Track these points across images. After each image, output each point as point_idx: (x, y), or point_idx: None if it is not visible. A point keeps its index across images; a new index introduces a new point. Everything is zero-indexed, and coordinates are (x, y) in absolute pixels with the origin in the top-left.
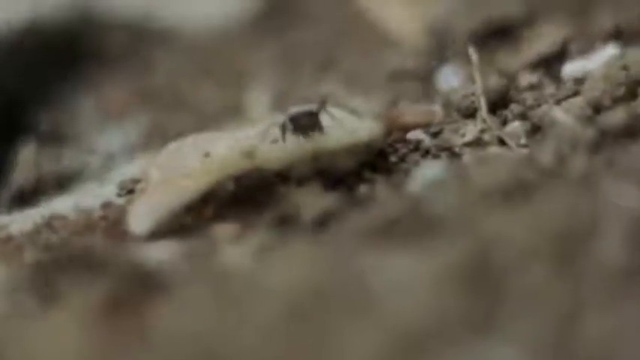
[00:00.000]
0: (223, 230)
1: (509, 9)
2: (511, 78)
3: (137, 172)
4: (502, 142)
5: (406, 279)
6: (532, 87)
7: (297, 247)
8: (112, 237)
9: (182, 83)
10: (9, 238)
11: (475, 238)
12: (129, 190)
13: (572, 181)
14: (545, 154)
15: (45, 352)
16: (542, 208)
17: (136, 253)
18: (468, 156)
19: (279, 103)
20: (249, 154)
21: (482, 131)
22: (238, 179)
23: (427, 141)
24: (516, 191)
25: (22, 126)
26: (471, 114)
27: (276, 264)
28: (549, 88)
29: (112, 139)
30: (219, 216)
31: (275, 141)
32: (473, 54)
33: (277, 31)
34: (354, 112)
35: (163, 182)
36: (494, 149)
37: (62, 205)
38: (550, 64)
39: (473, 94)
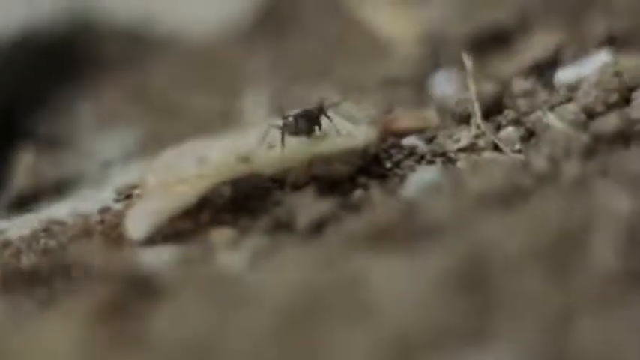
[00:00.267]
0: (219, 235)
1: (502, 16)
2: (505, 84)
3: (134, 177)
4: (496, 148)
5: (401, 284)
6: (526, 93)
7: (293, 251)
8: (109, 242)
9: (179, 89)
10: (7, 243)
11: (469, 243)
12: (126, 195)
13: (565, 186)
14: (539, 160)
15: (42, 356)
16: (536, 213)
17: (133, 258)
18: (462, 161)
19: (274, 109)
20: (244, 159)
21: (477, 137)
22: (234, 184)
23: (422, 147)
24: (510, 196)
25: (20, 132)
26: (465, 120)
27: (272, 269)
28: (543, 94)
29: (109, 144)
30: (216, 221)
31: (271, 146)
32: (467, 60)
33: (273, 38)
34: (349, 118)
35: (160, 187)
36: (489, 155)
37: (60, 210)
38: (543, 70)
39: (467, 100)
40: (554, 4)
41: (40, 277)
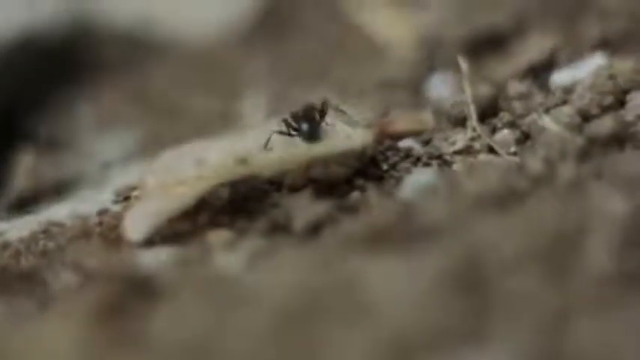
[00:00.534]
0: (217, 236)
1: (498, 19)
2: (500, 87)
3: (134, 178)
4: (492, 150)
5: (397, 285)
6: (521, 96)
7: (290, 253)
8: (107, 243)
9: (178, 91)
10: (6, 245)
11: (466, 244)
12: (125, 197)
13: (561, 188)
14: (535, 162)
15: (41, 357)
16: (531, 215)
17: (131, 259)
18: (458, 164)
19: (273, 111)
20: (243, 161)
21: (473, 139)
22: (232, 186)
23: (418, 149)
24: (506, 198)
25: (20, 134)
26: (461, 122)
27: (270, 270)
28: (538, 97)
29: (109, 146)
30: (214, 222)
31: (269, 148)
32: (463, 63)
33: (272, 41)
34: (346, 120)
35: (159, 189)
36: (484, 157)
37: (59, 211)
38: (539, 73)
39: (463, 102)
40: (550, 8)
41: (39, 278)
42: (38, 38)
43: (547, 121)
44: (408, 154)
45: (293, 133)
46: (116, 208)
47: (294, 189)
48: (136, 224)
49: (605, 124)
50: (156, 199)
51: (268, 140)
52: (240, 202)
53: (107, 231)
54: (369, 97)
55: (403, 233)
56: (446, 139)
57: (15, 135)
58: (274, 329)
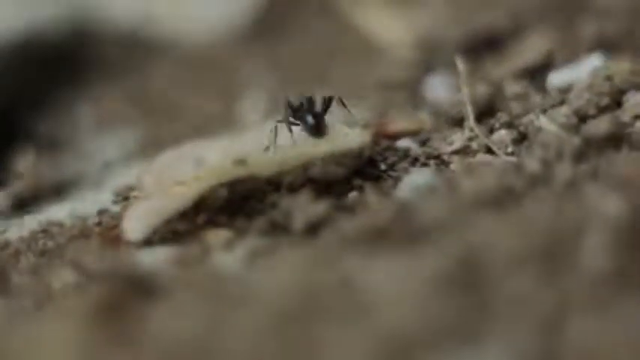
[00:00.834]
0: (216, 236)
1: (495, 20)
2: (498, 87)
3: (132, 179)
4: (489, 150)
5: (395, 285)
6: (518, 96)
7: (289, 252)
8: (107, 243)
9: (177, 92)
10: (6, 244)
11: (463, 244)
12: (124, 197)
13: (557, 188)
14: (532, 162)
15: (40, 356)
16: (528, 215)
17: (130, 259)
18: (455, 164)
19: (271, 111)
20: (241, 161)
21: (470, 139)
22: (231, 186)
23: (416, 149)
24: (503, 198)
25: (20, 134)
26: (458, 122)
27: (268, 269)
28: (535, 98)
29: (109, 146)
30: (212, 222)
31: (267, 149)
32: (460, 64)
33: (270, 41)
34: (344, 120)
35: (158, 189)
36: (482, 157)
37: (59, 211)
38: (536, 73)
39: (460, 103)
40: (547, 9)
41: (38, 277)
42: (38, 39)
43: (544, 122)
44: (405, 154)
45: (295, 122)
46: (115, 208)
47: (293, 189)
48: (136, 224)
49: (601, 125)
50: (155, 199)
51: (273, 139)
52: (239, 202)
53: (106, 231)
54: (367, 98)
55: (401, 233)
56: (443, 140)
57: (15, 135)
58: (273, 329)
